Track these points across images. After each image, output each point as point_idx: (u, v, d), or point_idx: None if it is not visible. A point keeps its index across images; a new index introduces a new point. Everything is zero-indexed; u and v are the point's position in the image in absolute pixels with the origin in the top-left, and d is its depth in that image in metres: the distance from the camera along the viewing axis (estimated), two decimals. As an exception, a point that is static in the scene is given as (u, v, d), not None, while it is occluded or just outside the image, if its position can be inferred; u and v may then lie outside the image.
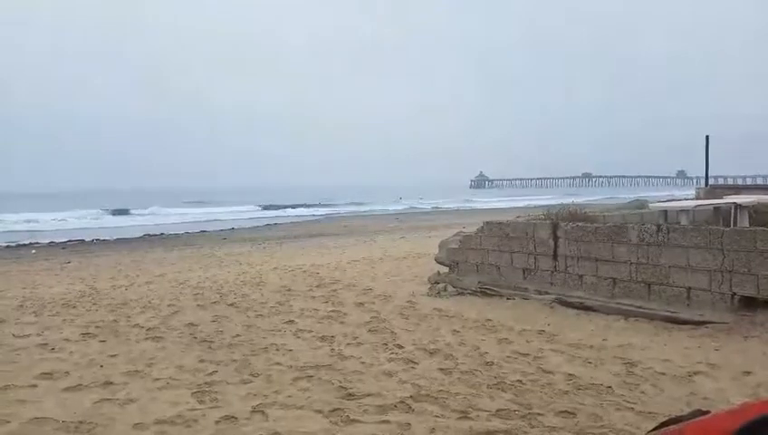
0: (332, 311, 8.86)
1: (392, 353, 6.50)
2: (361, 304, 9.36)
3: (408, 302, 9.40)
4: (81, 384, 5.62)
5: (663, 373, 5.59)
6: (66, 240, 27.39)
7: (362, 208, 57.74)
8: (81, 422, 4.71)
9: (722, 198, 12.47)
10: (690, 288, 7.69)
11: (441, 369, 5.90)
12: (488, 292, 9.76)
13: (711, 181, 18.67)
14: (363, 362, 6.18)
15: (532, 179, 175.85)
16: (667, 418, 1.69)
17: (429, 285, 10.66)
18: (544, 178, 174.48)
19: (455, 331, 7.50)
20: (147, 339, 7.41)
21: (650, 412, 4.63)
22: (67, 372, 6.00)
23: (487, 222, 10.78)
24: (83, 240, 27.71)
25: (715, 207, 11.84)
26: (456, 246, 11.14)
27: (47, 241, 27.02)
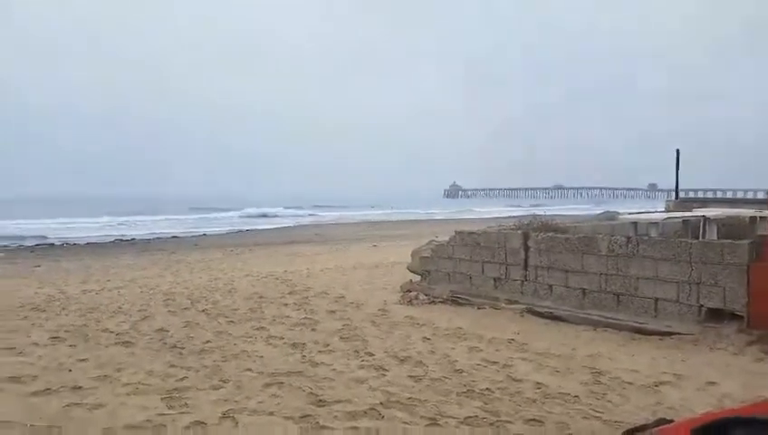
0: (304, 318, 8.85)
1: (363, 361, 6.52)
2: (333, 311, 9.36)
3: (379, 310, 9.43)
4: (49, 389, 5.54)
5: (630, 383, 5.69)
6: (35, 244, 26.95)
7: (336, 214, 57.71)
8: (48, 427, 4.65)
9: (691, 210, 12.72)
10: (658, 299, 7.85)
11: (411, 376, 5.94)
12: (459, 300, 9.83)
13: (681, 194, 19.07)
14: (334, 370, 6.19)
15: (504, 190, 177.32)
16: (632, 426, 1.74)
17: (401, 294, 10.70)
18: (517, 189, 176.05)
19: (425, 338, 7.55)
20: (116, 344, 7.33)
21: (616, 421, 4.72)
22: (35, 377, 5.91)
23: (459, 231, 10.86)
24: (53, 244, 27.28)
25: (684, 220, 12.10)
26: (429, 255, 11.21)
27: (15, 244, 26.56)
